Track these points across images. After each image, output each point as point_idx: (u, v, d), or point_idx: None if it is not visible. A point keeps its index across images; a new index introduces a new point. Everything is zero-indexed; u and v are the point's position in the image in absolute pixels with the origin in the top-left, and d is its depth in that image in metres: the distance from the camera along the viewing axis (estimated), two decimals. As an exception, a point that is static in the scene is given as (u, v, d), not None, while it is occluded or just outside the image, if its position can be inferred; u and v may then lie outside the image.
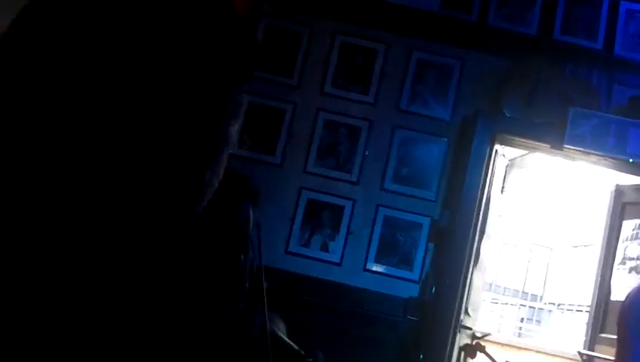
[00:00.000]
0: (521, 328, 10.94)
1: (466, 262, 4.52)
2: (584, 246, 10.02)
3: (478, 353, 3.27)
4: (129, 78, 0.73)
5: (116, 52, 0.74)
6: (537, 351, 8.43)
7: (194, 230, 0.81)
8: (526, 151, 10.34)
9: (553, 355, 8.25)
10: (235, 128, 0.83)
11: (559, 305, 10.64)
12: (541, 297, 11.13)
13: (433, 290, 4.46)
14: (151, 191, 0.75)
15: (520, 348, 8.60)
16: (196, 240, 0.81)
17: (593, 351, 5.17)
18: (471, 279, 4.63)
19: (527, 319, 11.06)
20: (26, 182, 0.72)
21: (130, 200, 0.74)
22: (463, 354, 4.29)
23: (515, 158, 11.73)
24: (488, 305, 10.93)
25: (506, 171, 5.34)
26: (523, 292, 11.09)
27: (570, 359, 7.27)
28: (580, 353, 5.37)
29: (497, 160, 4.87)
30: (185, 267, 0.79)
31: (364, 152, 4.75)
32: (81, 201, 0.73)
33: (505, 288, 10.95)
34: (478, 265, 4.76)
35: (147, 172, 0.74)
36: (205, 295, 0.81)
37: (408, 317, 4.51)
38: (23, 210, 0.72)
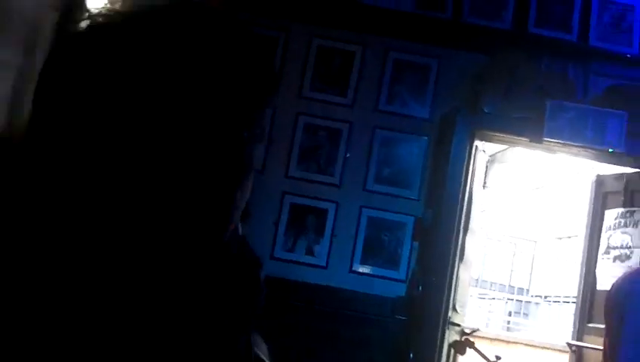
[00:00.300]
0: (509, 322, 10.99)
1: (451, 259, 4.53)
2: (568, 237, 10.09)
3: (467, 349, 3.27)
4: (157, 107, 0.75)
5: (143, 84, 0.75)
6: (526, 344, 8.48)
7: (222, 254, 0.84)
8: (506, 146, 10.41)
9: (542, 348, 8.30)
10: (257, 151, 0.85)
11: (546, 297, 10.70)
12: (527, 290, 11.18)
13: (420, 289, 4.47)
14: (184, 218, 0.77)
15: (509, 342, 8.64)
16: (224, 264, 0.84)
17: (582, 341, 5.20)
18: (457, 275, 4.64)
19: (515, 312, 11.11)
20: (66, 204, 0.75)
21: (163, 227, 0.76)
22: (452, 351, 4.30)
23: (496, 153, 11.80)
24: (475, 301, 10.97)
25: (487, 167, 5.37)
26: (509, 286, 11.14)
27: (560, 350, 7.32)
28: (568, 344, 5.39)
29: (478, 156, 4.90)
30: (213, 290, 0.81)
31: (345, 154, 4.75)
32: (117, 227, 0.75)
33: (491, 283, 10.99)
34: (463, 261, 4.78)
35: (180, 199, 0.76)
36: (230, 316, 0.83)
37: (397, 316, 4.50)
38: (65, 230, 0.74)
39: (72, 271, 0.72)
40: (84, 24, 0.80)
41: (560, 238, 10.59)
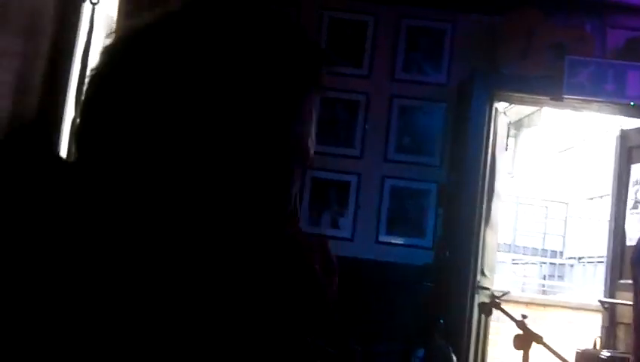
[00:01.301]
0: (544, 285, 10.92)
1: (477, 223, 4.51)
2: (600, 197, 9.97)
3: (494, 310, 3.27)
4: (210, 100, 0.77)
5: (195, 81, 0.78)
6: (562, 307, 8.43)
7: (286, 238, 0.85)
8: (533, 110, 10.30)
9: (578, 309, 8.24)
10: (311, 137, 0.86)
11: (580, 258, 10.60)
12: (561, 253, 11.09)
13: (447, 254, 4.45)
14: (240, 207, 0.79)
15: (545, 306, 8.60)
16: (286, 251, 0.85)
17: (614, 298, 5.15)
18: (484, 239, 4.62)
19: (549, 276, 11.03)
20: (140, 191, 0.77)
21: (229, 215, 0.78)
22: (479, 312, 4.29)
23: (523, 118, 11.71)
24: (510, 266, 10.91)
25: (508, 129, 5.32)
26: (542, 249, 11.05)
27: (595, 310, 7.25)
28: (601, 301, 5.35)
29: (498, 118, 4.85)
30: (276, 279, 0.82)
31: (365, 125, 4.73)
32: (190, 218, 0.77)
33: (524, 247, 10.91)
34: (490, 225, 4.75)
35: (235, 186, 0.78)
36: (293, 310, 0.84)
37: (425, 283, 4.50)
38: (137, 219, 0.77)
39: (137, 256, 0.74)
40: (132, 26, 0.83)
41: (591, 198, 10.48)
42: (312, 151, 0.86)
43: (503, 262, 10.18)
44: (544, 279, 11.01)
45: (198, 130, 0.76)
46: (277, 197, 0.81)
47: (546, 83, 4.55)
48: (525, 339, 2.88)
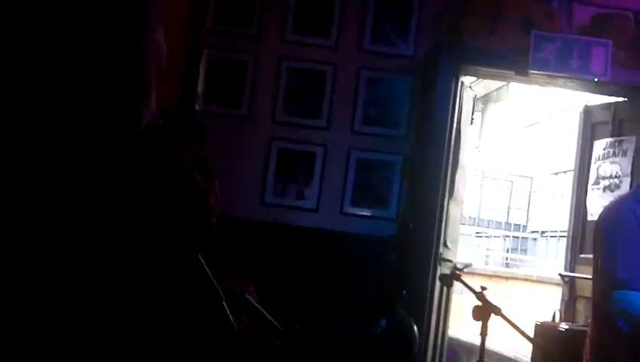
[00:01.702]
0: (507, 258, 11.08)
1: (440, 195, 4.53)
2: (564, 172, 10.10)
3: (454, 282, 3.31)
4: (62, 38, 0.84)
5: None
6: (524, 280, 8.56)
7: (139, 146, 0.86)
8: (500, 85, 10.35)
9: (540, 282, 8.38)
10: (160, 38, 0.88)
11: (543, 232, 10.76)
12: (525, 226, 11.25)
13: (411, 226, 4.48)
14: (96, 119, 0.85)
15: (508, 278, 8.73)
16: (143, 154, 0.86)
17: (574, 272, 5.24)
18: (447, 212, 4.65)
19: (513, 249, 11.20)
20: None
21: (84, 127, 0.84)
22: (440, 284, 4.33)
23: (491, 92, 11.77)
24: (474, 239, 11.04)
25: (474, 103, 5.34)
26: (507, 223, 11.20)
27: (556, 284, 7.37)
28: (561, 275, 5.44)
29: (464, 92, 4.86)
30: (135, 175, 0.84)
31: (332, 97, 4.72)
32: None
33: (489, 221, 11.05)
34: (453, 197, 4.78)
35: (90, 105, 0.84)
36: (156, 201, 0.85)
37: (389, 255, 4.52)
38: None
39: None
40: None
41: (556, 173, 10.62)
42: (162, 53, 0.89)
43: (468, 234, 10.29)
44: (508, 252, 11.17)
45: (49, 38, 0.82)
46: (132, 99, 0.85)
47: (512, 57, 4.57)
48: (484, 311, 2.92)
